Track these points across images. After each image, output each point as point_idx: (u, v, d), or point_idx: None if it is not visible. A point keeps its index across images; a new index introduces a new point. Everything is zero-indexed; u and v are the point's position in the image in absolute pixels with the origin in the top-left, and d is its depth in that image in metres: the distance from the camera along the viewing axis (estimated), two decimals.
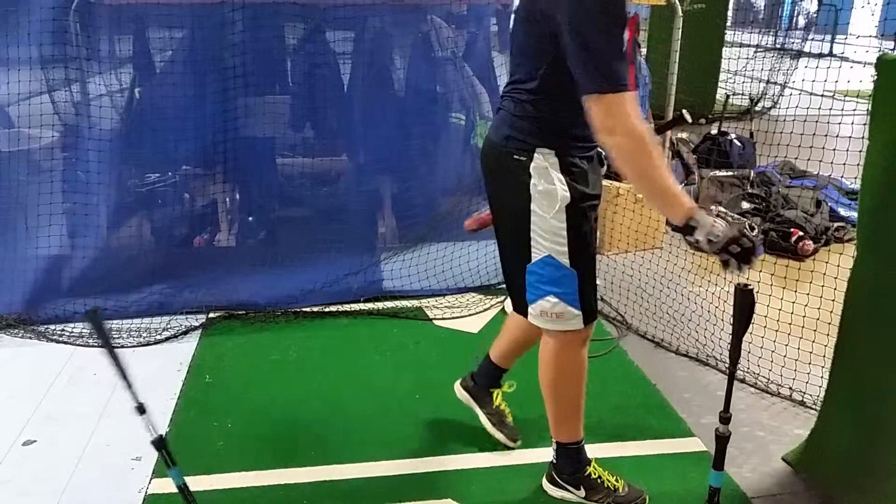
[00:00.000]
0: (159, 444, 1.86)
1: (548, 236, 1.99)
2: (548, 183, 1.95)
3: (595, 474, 2.26)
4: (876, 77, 2.03)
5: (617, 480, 2.27)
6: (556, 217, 1.96)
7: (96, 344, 3.16)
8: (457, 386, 2.63)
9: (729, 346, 1.90)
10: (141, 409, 1.83)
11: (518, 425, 2.57)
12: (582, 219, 2.00)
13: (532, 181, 1.95)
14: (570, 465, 2.28)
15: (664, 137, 4.39)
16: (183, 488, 1.94)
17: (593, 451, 2.49)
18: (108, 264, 3.45)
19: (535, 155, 1.94)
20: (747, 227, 1.76)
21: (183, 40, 3.68)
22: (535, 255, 2.03)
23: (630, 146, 1.74)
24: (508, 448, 2.52)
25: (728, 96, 6.40)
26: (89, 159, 3.41)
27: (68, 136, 3.57)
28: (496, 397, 2.56)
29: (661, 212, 1.90)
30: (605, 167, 2.15)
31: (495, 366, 2.54)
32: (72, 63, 3.38)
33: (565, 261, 2.00)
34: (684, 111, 2.59)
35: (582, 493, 2.26)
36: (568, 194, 1.94)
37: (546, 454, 2.49)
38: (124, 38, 3.72)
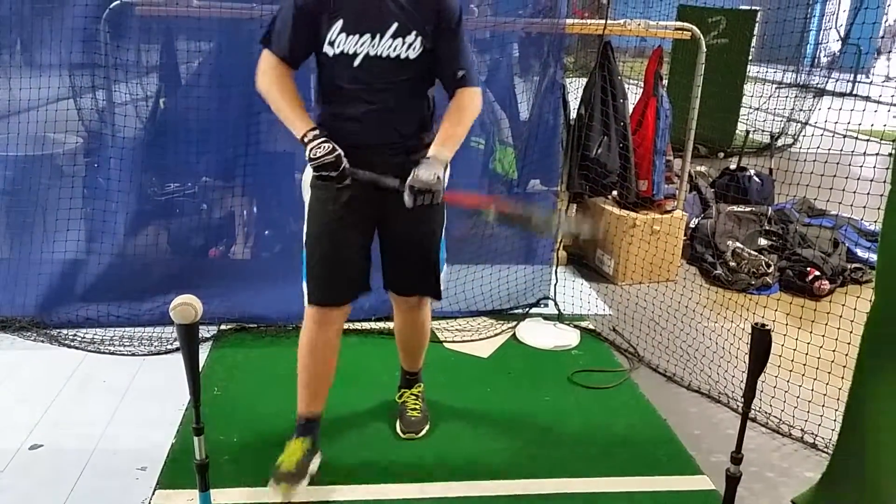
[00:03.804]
0: (202, 468, 1.87)
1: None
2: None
3: (300, 447, 2.34)
4: None
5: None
6: (305, 190, 2.21)
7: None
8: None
9: (742, 384, 1.88)
10: (198, 431, 1.87)
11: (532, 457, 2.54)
12: (315, 199, 2.18)
13: None
14: (297, 431, 2.42)
15: (683, 171, 4.38)
16: None
17: (601, 484, 2.47)
18: (123, 271, 3.47)
19: None
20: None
21: (210, 53, 3.72)
22: None
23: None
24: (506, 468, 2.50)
25: (748, 132, 6.38)
26: (111, 166, 3.45)
27: (91, 143, 3.62)
28: (401, 395, 2.81)
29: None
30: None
31: (402, 369, 2.84)
32: (99, 70, 3.42)
33: (302, 237, 2.22)
34: None
35: None
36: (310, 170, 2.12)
37: (562, 486, 2.47)
38: (152, 48, 3.77)
